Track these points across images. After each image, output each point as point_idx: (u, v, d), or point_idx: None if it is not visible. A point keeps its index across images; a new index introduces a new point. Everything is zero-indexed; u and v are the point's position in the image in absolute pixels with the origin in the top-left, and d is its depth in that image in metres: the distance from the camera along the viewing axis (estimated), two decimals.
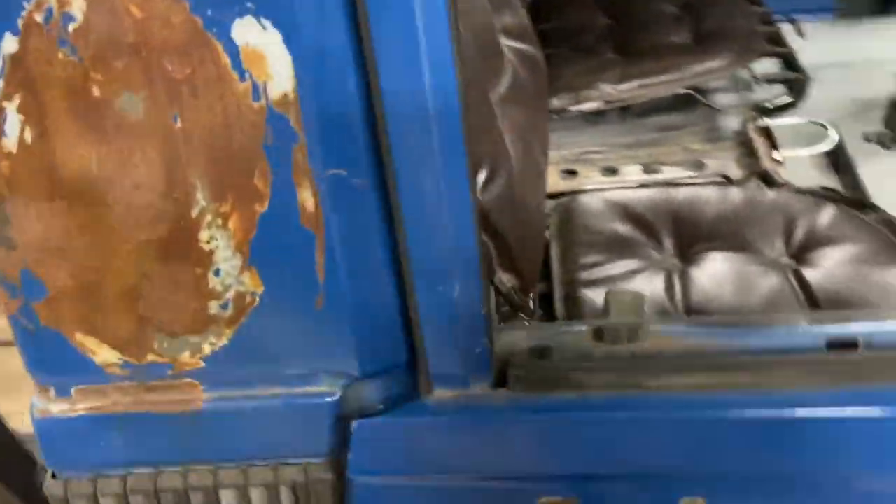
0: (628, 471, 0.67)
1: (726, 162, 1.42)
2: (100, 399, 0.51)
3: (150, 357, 0.48)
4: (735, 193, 1.22)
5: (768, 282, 1.06)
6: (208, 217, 0.42)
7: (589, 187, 1.37)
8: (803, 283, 1.05)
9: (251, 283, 0.45)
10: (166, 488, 0.54)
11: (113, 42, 0.37)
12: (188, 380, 0.50)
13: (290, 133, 0.41)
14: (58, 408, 0.54)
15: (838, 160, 1.48)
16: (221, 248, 0.44)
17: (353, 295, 0.46)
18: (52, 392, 0.55)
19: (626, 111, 1.64)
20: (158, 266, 0.46)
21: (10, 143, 0.42)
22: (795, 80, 1.57)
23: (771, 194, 1.20)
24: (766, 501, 0.71)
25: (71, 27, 0.39)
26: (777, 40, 1.70)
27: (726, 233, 1.15)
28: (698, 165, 1.44)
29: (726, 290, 1.06)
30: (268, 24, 0.39)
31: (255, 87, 0.39)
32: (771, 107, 1.51)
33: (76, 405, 0.52)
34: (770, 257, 1.11)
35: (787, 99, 1.56)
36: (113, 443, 0.52)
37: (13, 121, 0.41)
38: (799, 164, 1.43)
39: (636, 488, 0.67)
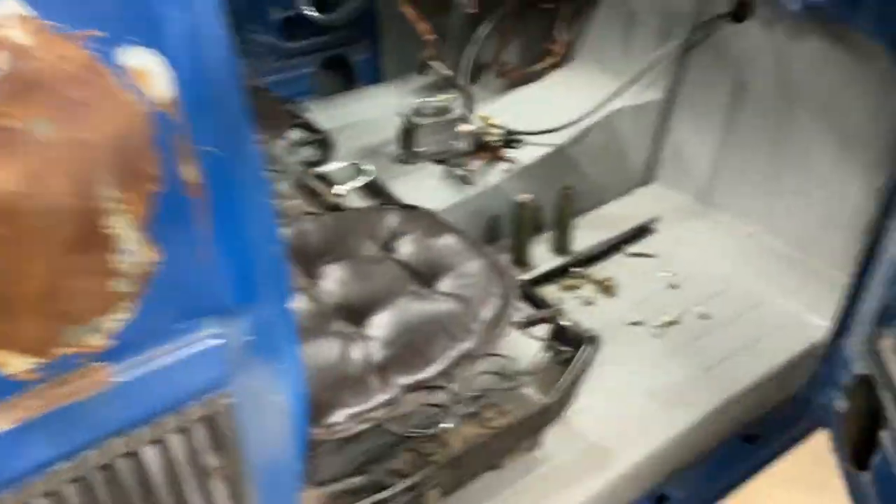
0: None
1: (303, 205, 1.76)
2: (15, 411, 0.50)
3: (60, 350, 0.52)
4: (327, 219, 1.56)
5: (379, 269, 1.41)
6: (111, 205, 0.52)
7: None
8: (398, 261, 1.43)
9: (151, 255, 0.55)
10: (92, 468, 0.56)
11: (24, 81, 0.47)
12: (98, 362, 0.55)
13: (173, 125, 0.55)
14: None
15: (375, 188, 1.97)
16: (124, 230, 0.53)
17: (237, 251, 0.60)
18: None
19: None
20: (66, 261, 0.50)
21: None
22: (321, 140, 2.02)
23: (350, 214, 1.57)
24: None
25: None
26: (295, 114, 2.13)
27: (333, 248, 1.47)
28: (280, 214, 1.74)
29: (353, 284, 1.38)
30: (148, 50, 0.53)
31: (142, 97, 0.53)
32: (312, 161, 1.91)
33: None
34: (369, 255, 1.47)
35: (318, 154, 1.99)
36: (35, 449, 0.52)
37: None
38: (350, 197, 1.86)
39: None
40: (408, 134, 1.87)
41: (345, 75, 2.75)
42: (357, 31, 2.67)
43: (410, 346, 1.24)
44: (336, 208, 1.72)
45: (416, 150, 1.84)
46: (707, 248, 1.94)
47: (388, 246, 1.50)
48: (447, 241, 1.49)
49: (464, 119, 1.90)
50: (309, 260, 1.44)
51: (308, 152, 2.00)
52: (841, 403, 1.32)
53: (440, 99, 1.89)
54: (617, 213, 2.07)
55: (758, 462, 1.69)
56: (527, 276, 1.79)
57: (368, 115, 2.44)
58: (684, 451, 1.60)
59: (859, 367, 1.28)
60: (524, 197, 1.81)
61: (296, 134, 2.03)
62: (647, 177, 2.18)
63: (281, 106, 2.06)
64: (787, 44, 1.83)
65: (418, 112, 1.86)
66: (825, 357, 1.64)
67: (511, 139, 1.91)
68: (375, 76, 2.77)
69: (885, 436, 1.14)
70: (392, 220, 1.56)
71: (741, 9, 1.90)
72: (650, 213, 2.06)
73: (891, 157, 1.56)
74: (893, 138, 1.65)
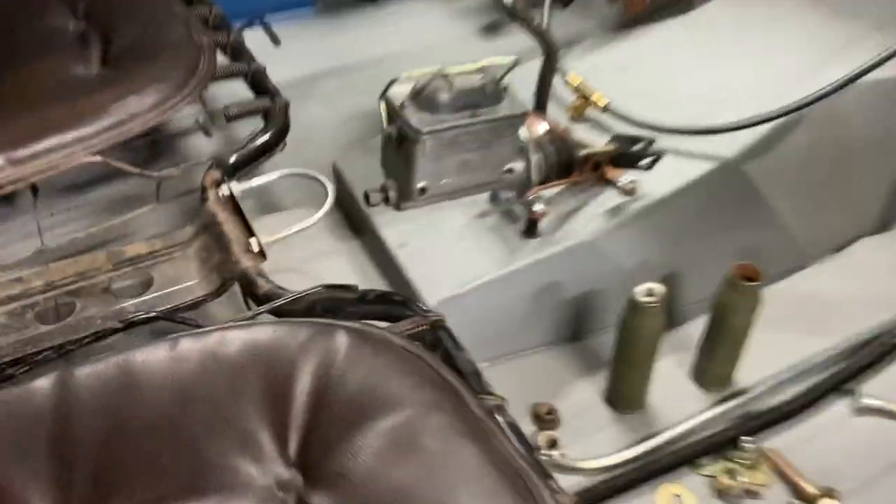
0: None
1: (183, 268, 0.85)
2: None
3: None
4: (183, 354, 0.65)
5: None
6: None
7: None
8: None
9: None
10: None
11: None
12: None
13: None
14: None
15: (350, 215, 1.04)
16: None
17: None
18: None
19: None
20: None
21: None
22: (273, 109, 1.08)
23: (241, 335, 0.66)
24: None
25: None
26: (239, 52, 1.19)
27: (168, 460, 0.58)
28: (143, 284, 0.85)
29: None
30: None
31: None
32: (238, 157, 0.98)
33: None
34: (258, 485, 0.57)
35: (265, 137, 1.05)
36: None
37: None
38: (302, 241, 0.94)
39: None
40: (399, 152, 0.90)
41: None
42: None
43: None
44: (248, 289, 0.81)
45: (416, 186, 0.89)
46: None
47: (306, 457, 0.60)
48: (460, 460, 0.58)
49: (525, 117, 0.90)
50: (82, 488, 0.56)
51: (249, 130, 1.08)
52: None
53: (470, 69, 0.89)
54: (819, 287, 1.08)
55: None
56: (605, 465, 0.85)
57: (392, 43, 1.56)
58: None
59: None
60: (648, 291, 0.84)
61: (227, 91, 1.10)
62: (885, 219, 1.16)
63: (206, 33, 1.11)
64: None
65: (423, 100, 0.88)
66: None
67: (635, 149, 0.92)
68: None
69: None
70: (340, 356, 0.65)
71: None
72: (878, 292, 1.07)
73: None
74: None
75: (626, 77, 1.12)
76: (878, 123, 1.07)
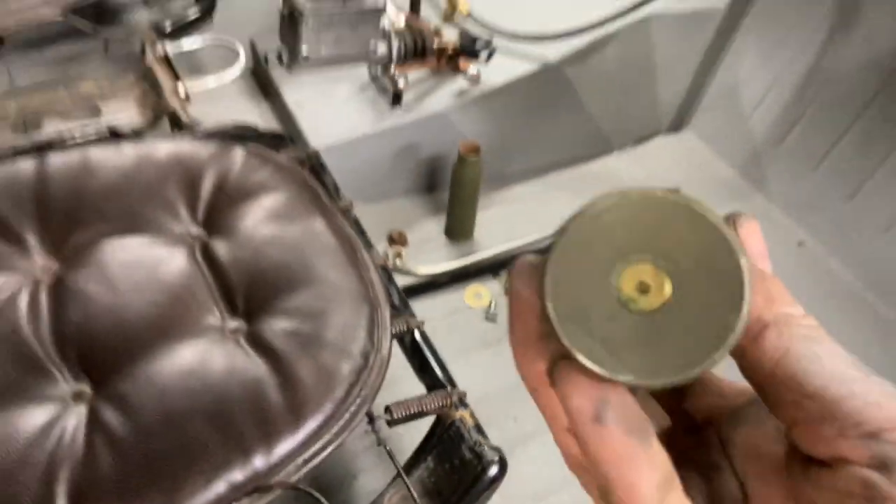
0: None
1: (125, 104, 1.13)
2: None
3: None
4: (127, 153, 0.94)
5: (171, 267, 0.83)
6: None
7: None
8: (212, 261, 0.84)
9: None
10: None
11: None
12: None
13: None
14: None
15: (263, 82, 1.32)
16: None
17: None
18: None
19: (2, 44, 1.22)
20: None
21: None
22: None
23: (168, 145, 0.95)
24: None
25: None
26: None
27: (117, 209, 0.87)
28: (92, 112, 1.12)
29: (119, 291, 0.80)
30: None
31: None
32: (172, 27, 1.24)
33: None
34: (175, 232, 0.88)
35: (194, 11, 1.31)
36: None
37: None
38: (217, 94, 1.22)
39: None
40: (290, 26, 1.18)
41: None
42: None
43: (156, 463, 0.68)
44: (174, 120, 1.09)
45: (301, 53, 1.17)
46: None
47: (210, 221, 0.90)
48: (312, 227, 0.89)
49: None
50: (63, 223, 0.85)
51: (181, 5, 1.33)
52: None
53: None
54: (619, 170, 1.43)
55: None
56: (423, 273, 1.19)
57: None
58: None
59: None
60: (468, 143, 1.17)
61: None
62: (676, 122, 1.50)
63: None
64: None
65: None
66: None
67: (474, 46, 1.22)
68: None
69: None
70: (237, 165, 0.96)
71: None
72: (666, 179, 1.42)
73: None
74: None
75: None
76: (673, 45, 1.39)
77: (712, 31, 1.38)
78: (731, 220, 0.25)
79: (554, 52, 1.31)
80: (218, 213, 0.90)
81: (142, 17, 1.28)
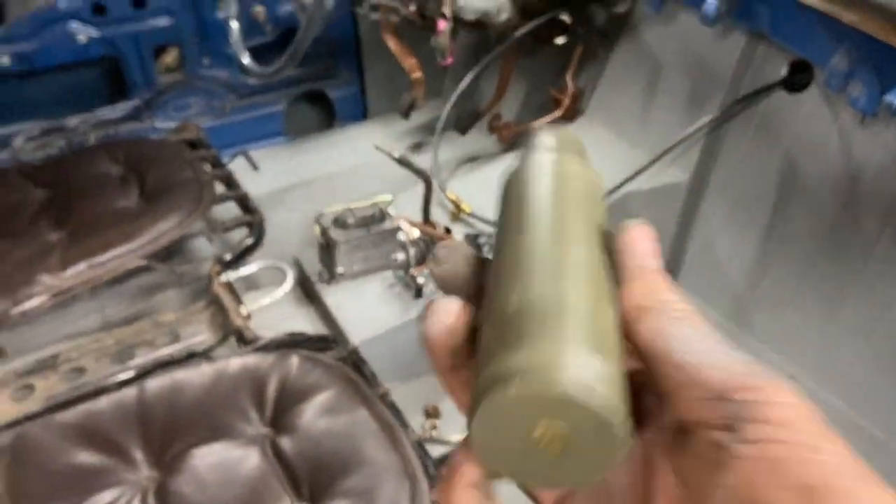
0: None
1: (199, 327, 1.38)
2: None
3: None
4: (206, 371, 1.17)
5: (248, 465, 1.02)
6: None
7: (43, 408, 1.18)
8: (280, 456, 1.04)
9: None
10: None
11: None
12: None
13: None
14: None
15: (307, 291, 1.57)
16: None
17: None
18: None
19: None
20: None
21: None
22: (254, 222, 1.62)
23: (238, 361, 1.18)
24: None
25: None
26: (230, 183, 1.74)
27: (201, 421, 1.09)
28: (174, 338, 1.37)
29: (209, 491, 0.99)
30: None
31: None
32: (231, 257, 1.52)
33: None
34: (248, 434, 1.08)
35: (249, 241, 1.59)
36: None
37: None
38: (273, 308, 1.47)
39: None
40: (327, 251, 1.45)
41: (324, 112, 2.35)
42: (336, 63, 2.26)
43: None
44: (240, 336, 1.33)
45: (338, 272, 1.43)
46: None
47: (276, 421, 1.10)
48: (357, 417, 1.09)
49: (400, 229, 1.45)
50: (161, 437, 1.06)
51: (237, 237, 1.62)
52: None
53: (366, 205, 1.46)
54: None
55: None
56: None
57: (344, 161, 2.06)
58: None
59: None
60: None
61: (223, 210, 1.65)
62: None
63: (207, 169, 1.67)
64: (857, 129, 1.35)
65: (339, 222, 1.44)
66: None
67: (477, 241, 1.47)
68: (359, 113, 2.37)
69: None
70: (293, 369, 1.17)
71: (797, 76, 1.42)
72: None
73: None
74: None
75: (488, 190, 1.68)
76: (650, 214, 1.63)
77: (682, 199, 1.62)
78: (620, 229, 0.29)
79: None
80: (282, 413, 1.11)
81: (207, 251, 1.56)
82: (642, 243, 0.30)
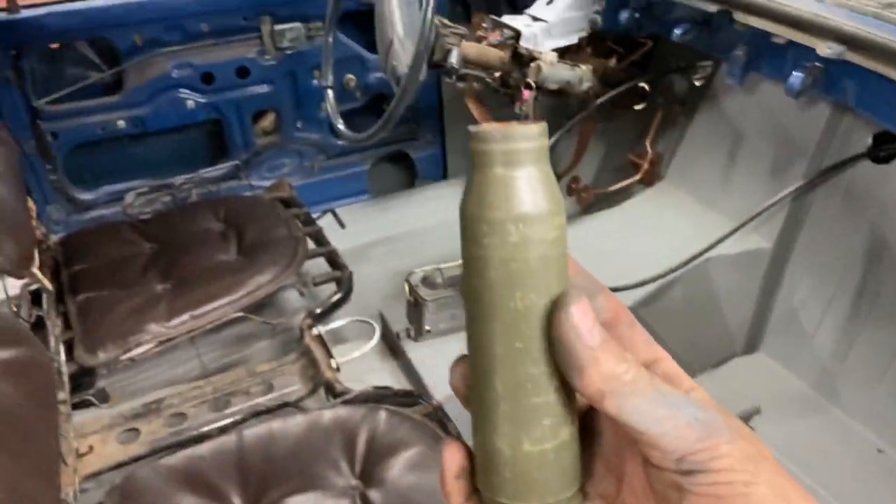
0: None
1: (291, 378, 1.44)
2: None
3: None
4: (299, 422, 1.23)
5: None
6: None
7: (148, 451, 1.26)
8: None
9: None
10: None
11: None
12: None
13: None
14: None
15: (392, 346, 1.62)
16: None
17: None
18: None
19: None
20: None
21: None
22: (342, 277, 1.70)
23: (330, 413, 1.24)
24: None
25: None
26: (320, 239, 1.83)
27: (295, 470, 1.14)
28: (268, 387, 1.44)
29: None
30: None
31: None
32: (322, 310, 1.59)
33: None
34: (339, 486, 1.13)
35: (338, 296, 1.66)
36: None
37: None
38: (358, 361, 1.53)
39: None
40: (415, 309, 1.50)
41: (406, 171, 2.45)
42: (420, 126, 2.37)
43: None
44: (329, 388, 1.39)
45: (425, 329, 1.48)
46: (823, 460, 1.44)
47: (365, 474, 1.14)
48: None
49: None
50: (258, 485, 1.12)
51: (327, 291, 1.69)
52: None
53: (454, 265, 1.52)
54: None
55: None
56: None
57: (426, 219, 2.15)
58: None
59: None
60: None
61: (313, 265, 1.73)
62: (749, 344, 1.69)
63: (300, 227, 1.76)
64: None
65: (427, 282, 1.50)
66: None
67: None
68: (440, 173, 2.46)
69: None
70: (381, 424, 1.21)
71: (882, 147, 1.42)
72: (749, 397, 1.58)
73: None
74: None
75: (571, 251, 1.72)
76: (732, 281, 1.62)
77: (765, 265, 1.62)
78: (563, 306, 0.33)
79: (627, 299, 1.56)
80: (371, 466, 1.15)
81: (296, 304, 1.64)
82: (584, 323, 0.33)
